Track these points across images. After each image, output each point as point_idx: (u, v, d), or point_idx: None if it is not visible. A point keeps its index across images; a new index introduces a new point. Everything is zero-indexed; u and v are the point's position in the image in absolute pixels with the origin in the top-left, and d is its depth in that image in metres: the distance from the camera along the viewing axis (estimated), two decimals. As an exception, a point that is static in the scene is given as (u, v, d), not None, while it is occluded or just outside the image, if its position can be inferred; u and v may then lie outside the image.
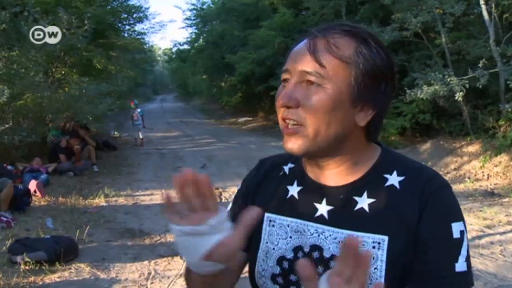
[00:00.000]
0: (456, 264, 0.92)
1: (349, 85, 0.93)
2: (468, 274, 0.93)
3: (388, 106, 1.02)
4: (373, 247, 0.95)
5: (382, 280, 0.93)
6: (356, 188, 1.01)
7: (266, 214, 1.09)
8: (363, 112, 0.96)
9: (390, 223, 0.95)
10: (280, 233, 1.06)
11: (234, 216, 1.16)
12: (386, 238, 0.95)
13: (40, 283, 4.25)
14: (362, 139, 1.01)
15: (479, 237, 5.31)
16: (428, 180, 0.98)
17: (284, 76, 0.99)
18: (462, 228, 0.95)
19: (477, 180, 8.73)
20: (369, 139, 1.03)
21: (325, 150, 0.98)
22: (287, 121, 0.96)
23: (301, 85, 0.95)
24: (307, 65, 0.94)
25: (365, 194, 1.00)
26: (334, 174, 1.02)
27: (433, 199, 0.95)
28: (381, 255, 0.94)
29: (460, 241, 0.94)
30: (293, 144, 0.96)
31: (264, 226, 1.09)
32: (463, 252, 0.94)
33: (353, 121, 0.96)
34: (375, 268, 0.94)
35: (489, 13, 9.84)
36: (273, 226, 1.08)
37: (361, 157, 1.02)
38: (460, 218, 0.96)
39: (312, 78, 0.93)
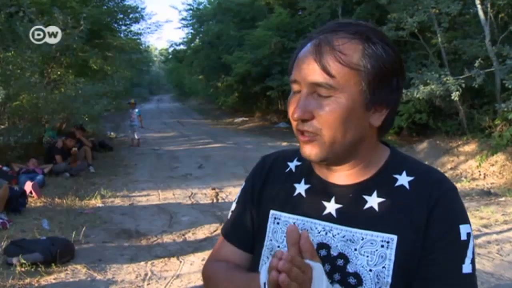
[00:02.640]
0: (463, 266, 0.93)
1: (361, 91, 0.93)
2: (473, 276, 0.95)
3: (400, 100, 1.02)
4: (382, 246, 0.96)
5: (390, 279, 0.94)
6: (366, 187, 1.01)
7: (271, 212, 1.09)
8: (377, 113, 0.97)
9: (399, 223, 0.96)
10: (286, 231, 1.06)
11: (240, 216, 1.16)
12: (395, 237, 0.95)
13: (36, 284, 4.22)
14: (375, 139, 1.02)
15: (476, 237, 5.31)
16: (436, 183, 0.99)
17: (295, 87, 0.98)
18: (469, 230, 0.97)
19: (474, 179, 8.75)
20: (379, 137, 1.04)
21: (342, 156, 0.99)
22: (304, 132, 0.96)
23: (312, 96, 0.94)
24: (317, 76, 0.92)
25: (375, 193, 1.00)
26: (345, 175, 1.03)
27: (442, 202, 0.96)
28: (390, 254, 0.95)
29: (467, 243, 0.95)
30: (311, 152, 0.97)
31: (268, 223, 1.09)
32: (469, 254, 0.95)
33: (368, 123, 0.97)
34: (383, 267, 0.95)
35: (485, 13, 9.87)
36: (278, 223, 1.08)
37: (372, 158, 1.03)
38: (467, 221, 0.98)
39: (323, 90, 0.93)
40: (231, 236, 1.16)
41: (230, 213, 1.20)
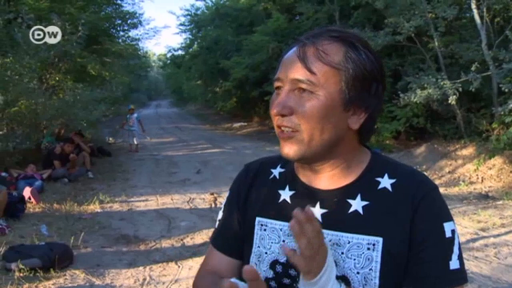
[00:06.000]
0: (450, 262, 0.95)
1: (340, 91, 0.95)
2: (461, 271, 0.97)
3: (380, 107, 1.04)
4: (368, 249, 0.97)
5: (377, 281, 0.96)
6: (349, 191, 1.02)
7: (258, 219, 1.10)
8: (356, 116, 0.98)
9: (384, 225, 0.98)
10: (273, 237, 1.07)
11: (227, 224, 1.17)
12: (380, 239, 0.97)
13: (35, 290, 4.22)
14: (355, 142, 1.04)
15: (474, 240, 5.33)
16: (418, 184, 1.01)
17: (277, 84, 1.01)
18: (453, 227, 0.99)
19: (472, 183, 8.76)
20: (361, 142, 1.05)
21: (320, 154, 1.00)
22: (282, 128, 0.98)
23: (293, 93, 0.97)
24: (298, 73, 0.96)
25: (358, 196, 1.01)
26: (328, 178, 1.04)
27: (425, 202, 0.98)
28: (376, 256, 0.96)
29: (452, 239, 0.97)
30: (289, 149, 0.99)
31: (255, 230, 1.10)
32: (456, 250, 0.97)
33: (346, 124, 0.98)
34: (370, 269, 0.96)
35: (481, 17, 9.92)
36: (265, 230, 1.09)
37: (353, 160, 1.04)
38: (450, 218, 0.99)
39: (303, 86, 0.95)
40: (219, 244, 1.18)
41: (217, 222, 1.21)
